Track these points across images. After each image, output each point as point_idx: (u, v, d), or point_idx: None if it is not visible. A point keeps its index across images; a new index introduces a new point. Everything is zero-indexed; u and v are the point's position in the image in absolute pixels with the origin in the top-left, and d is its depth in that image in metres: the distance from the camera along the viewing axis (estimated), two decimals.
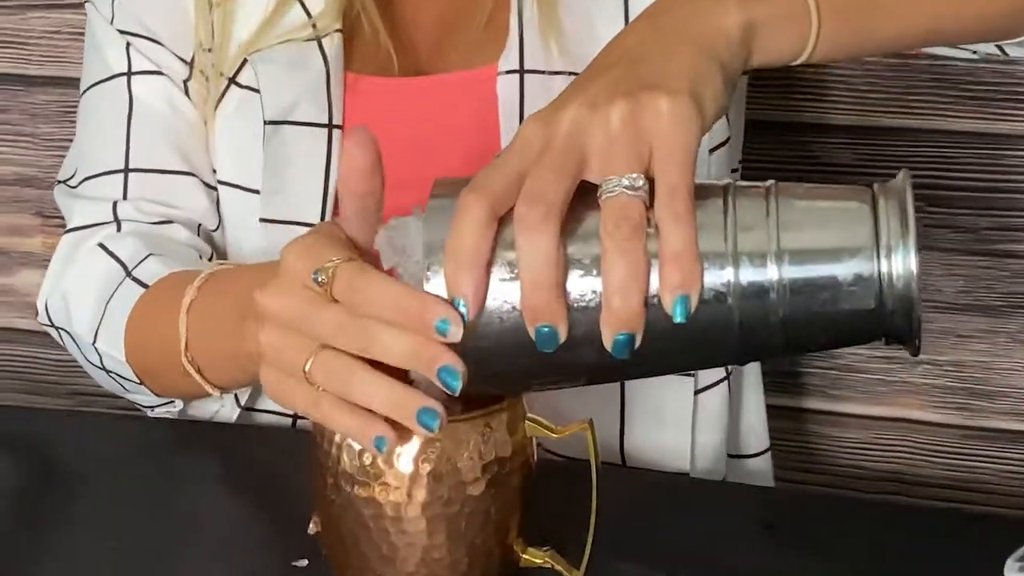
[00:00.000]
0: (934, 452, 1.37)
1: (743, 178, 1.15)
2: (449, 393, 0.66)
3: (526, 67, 0.98)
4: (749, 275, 0.64)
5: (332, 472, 0.75)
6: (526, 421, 0.76)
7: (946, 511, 1.19)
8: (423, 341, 0.65)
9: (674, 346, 0.66)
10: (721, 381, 1.05)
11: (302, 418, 1.03)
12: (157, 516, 0.89)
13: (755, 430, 1.14)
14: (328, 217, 0.99)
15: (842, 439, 1.38)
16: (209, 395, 0.93)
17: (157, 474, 0.94)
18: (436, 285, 0.66)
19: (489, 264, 0.65)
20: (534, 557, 0.79)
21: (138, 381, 0.97)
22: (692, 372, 1.01)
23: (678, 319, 0.63)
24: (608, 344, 0.64)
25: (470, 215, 0.64)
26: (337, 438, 0.74)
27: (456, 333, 0.64)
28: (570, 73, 0.97)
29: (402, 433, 0.71)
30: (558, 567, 0.79)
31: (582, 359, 0.66)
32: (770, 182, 0.67)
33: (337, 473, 0.74)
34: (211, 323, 0.89)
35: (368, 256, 0.71)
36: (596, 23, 0.98)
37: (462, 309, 0.64)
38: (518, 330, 0.65)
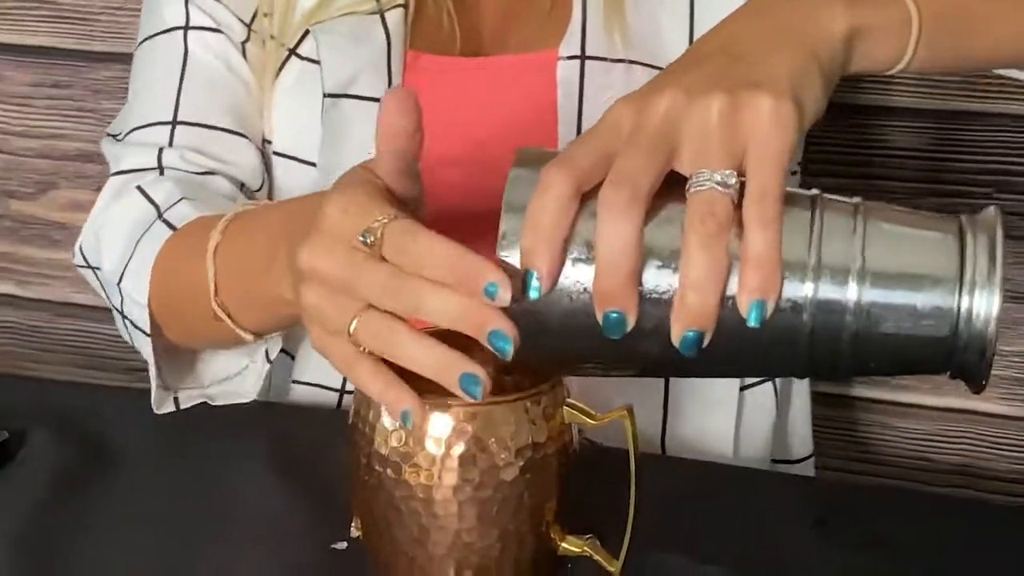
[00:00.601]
0: (1001, 445, 1.33)
1: (804, 168, 1.13)
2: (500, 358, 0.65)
3: (588, 53, 0.97)
4: (828, 290, 0.62)
5: (366, 452, 0.74)
6: (565, 407, 0.75)
7: (1014, 507, 1.16)
8: (475, 304, 0.64)
9: (738, 351, 0.64)
10: (767, 380, 1.04)
11: (349, 391, 1.03)
12: (200, 496, 0.88)
13: (800, 434, 1.12)
14: None
15: (905, 430, 1.34)
16: (242, 341, 0.92)
17: (203, 454, 0.94)
18: (511, 255, 0.64)
19: (566, 241, 0.63)
20: (572, 546, 0.78)
21: (149, 332, 0.94)
22: None
23: (752, 323, 0.62)
24: (676, 339, 0.62)
25: (553, 190, 0.62)
26: (371, 416, 0.73)
27: (505, 298, 0.63)
28: (631, 62, 0.96)
29: (437, 410, 0.70)
30: (597, 557, 0.78)
31: (644, 351, 0.64)
32: (857, 199, 0.65)
33: (371, 454, 0.73)
34: (240, 266, 0.88)
35: (407, 208, 0.71)
36: (660, 16, 0.97)
37: (535, 283, 0.63)
38: (585, 312, 0.64)
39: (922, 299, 0.63)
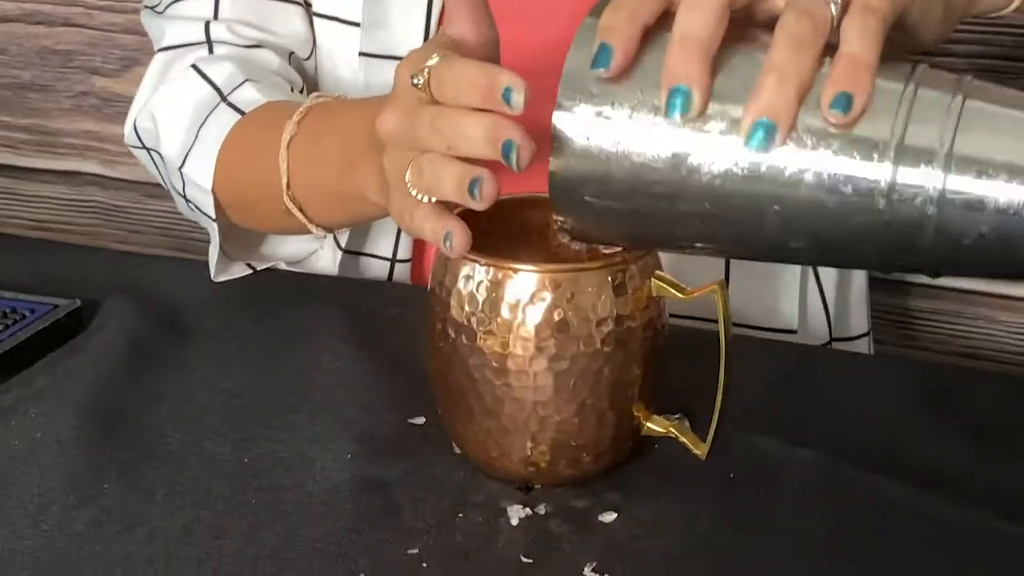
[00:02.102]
0: None
1: None
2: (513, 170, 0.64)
3: None
4: (908, 175, 0.56)
5: (441, 318, 0.71)
6: (653, 279, 0.70)
7: None
8: (495, 119, 0.64)
9: (810, 232, 0.59)
10: None
11: (400, 260, 1.00)
12: (275, 369, 0.86)
13: (856, 312, 1.07)
14: None
15: (1010, 324, 1.28)
16: (309, 233, 0.89)
17: (276, 328, 0.91)
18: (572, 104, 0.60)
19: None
20: (658, 425, 0.74)
21: (214, 217, 0.92)
22: None
23: (838, 111, 0.56)
24: (746, 128, 0.57)
25: None
26: (447, 280, 0.70)
27: (519, 101, 0.63)
28: None
29: (513, 272, 0.67)
30: (683, 439, 0.74)
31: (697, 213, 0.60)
32: (968, 77, 0.59)
33: (446, 319, 0.70)
34: (315, 162, 0.85)
35: (480, 56, 0.70)
36: None
37: (599, 71, 0.59)
38: (640, 169, 0.59)
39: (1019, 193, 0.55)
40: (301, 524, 0.70)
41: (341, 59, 0.99)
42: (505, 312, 0.68)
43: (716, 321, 0.68)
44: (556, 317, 0.68)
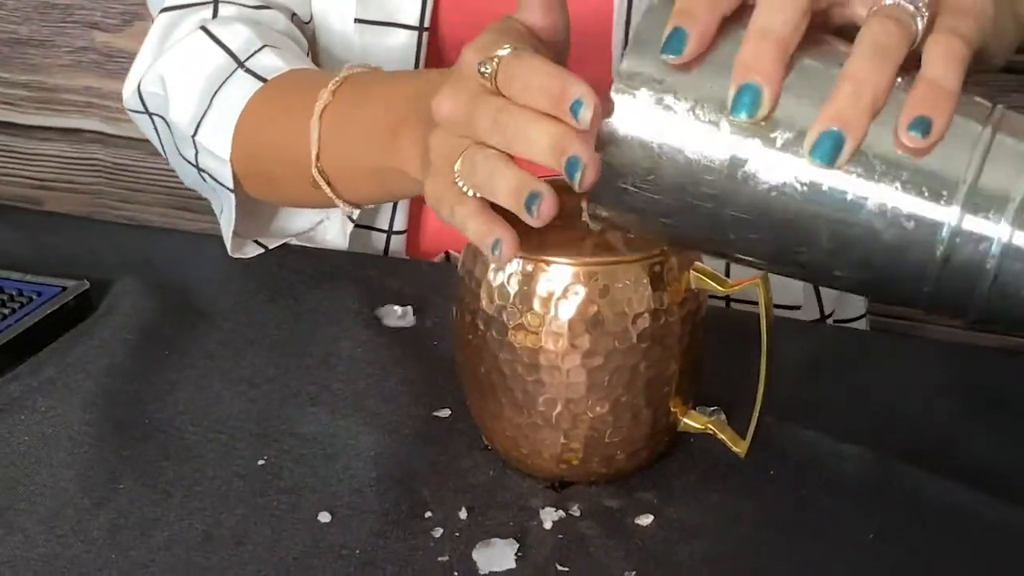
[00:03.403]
0: None
1: None
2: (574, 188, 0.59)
3: None
4: (976, 220, 0.53)
5: (471, 310, 0.68)
6: (692, 271, 0.67)
7: None
8: (563, 130, 0.59)
9: (859, 261, 0.55)
10: None
11: (396, 232, 0.97)
12: (290, 358, 0.82)
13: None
14: (427, 20, 0.92)
15: None
16: (333, 206, 0.85)
17: (292, 310, 0.88)
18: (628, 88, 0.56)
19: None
20: (695, 422, 0.71)
21: (231, 188, 0.88)
22: None
23: (915, 134, 0.52)
24: (811, 142, 0.54)
25: None
26: (478, 271, 0.67)
27: (587, 117, 0.58)
28: None
29: (545, 265, 0.65)
30: (721, 436, 0.71)
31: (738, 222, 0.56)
32: None
33: (476, 311, 0.67)
34: (352, 134, 0.81)
35: (550, 44, 0.66)
36: None
37: (669, 57, 0.55)
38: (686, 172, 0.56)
39: None
40: (326, 528, 0.67)
41: (337, 26, 0.95)
42: (537, 306, 0.65)
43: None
44: (590, 311, 0.65)
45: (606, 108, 0.57)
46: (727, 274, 0.70)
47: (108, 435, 0.74)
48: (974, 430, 0.74)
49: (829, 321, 1.03)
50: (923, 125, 0.53)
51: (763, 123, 0.55)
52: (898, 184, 0.54)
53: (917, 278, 0.55)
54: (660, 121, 0.56)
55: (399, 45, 0.92)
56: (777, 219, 0.56)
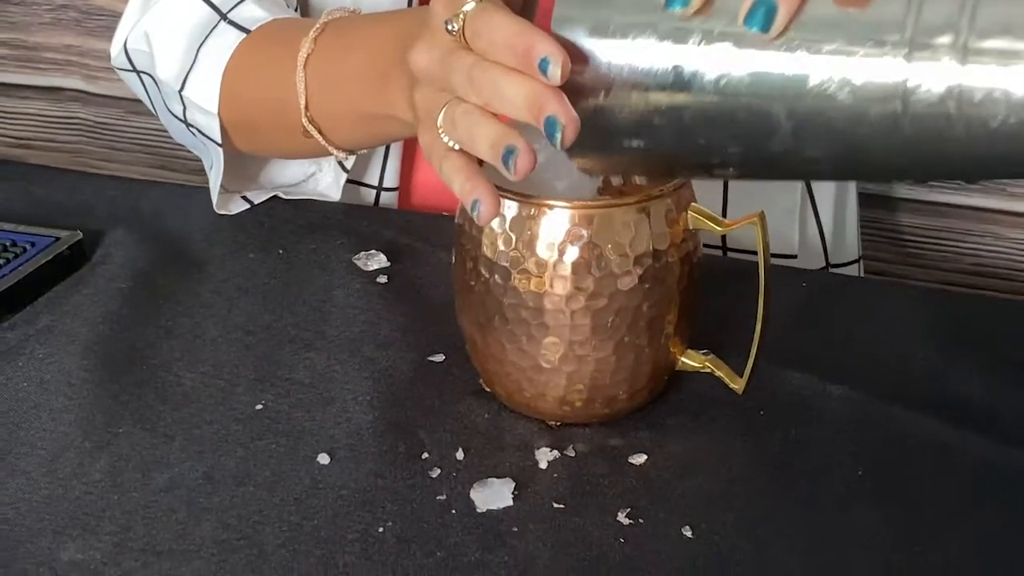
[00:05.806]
0: None
1: None
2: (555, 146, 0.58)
3: None
4: (923, 63, 0.52)
5: (472, 256, 0.68)
6: (689, 211, 0.68)
7: None
8: (539, 88, 0.58)
9: (825, 139, 0.55)
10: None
11: (387, 188, 0.98)
12: (285, 306, 0.83)
13: (851, 237, 1.05)
14: None
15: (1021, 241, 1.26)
16: (326, 155, 0.85)
17: (284, 259, 0.88)
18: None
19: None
20: (692, 360, 0.72)
21: (220, 141, 0.88)
22: None
23: None
24: (744, 9, 0.54)
25: None
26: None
27: (556, 73, 0.57)
28: None
29: (549, 210, 0.65)
30: (719, 373, 0.72)
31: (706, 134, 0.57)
32: None
33: (477, 257, 0.68)
34: (339, 81, 0.81)
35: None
36: None
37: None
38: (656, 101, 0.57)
39: None
40: (325, 470, 0.68)
41: None
42: (541, 251, 0.65)
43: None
44: (594, 254, 0.65)
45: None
46: (724, 215, 0.71)
47: (106, 381, 0.74)
48: (958, 371, 0.75)
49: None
50: None
51: (697, 18, 0.55)
52: (839, 42, 0.53)
53: (886, 136, 0.53)
54: (603, 48, 0.57)
55: None
56: (735, 109, 0.55)
